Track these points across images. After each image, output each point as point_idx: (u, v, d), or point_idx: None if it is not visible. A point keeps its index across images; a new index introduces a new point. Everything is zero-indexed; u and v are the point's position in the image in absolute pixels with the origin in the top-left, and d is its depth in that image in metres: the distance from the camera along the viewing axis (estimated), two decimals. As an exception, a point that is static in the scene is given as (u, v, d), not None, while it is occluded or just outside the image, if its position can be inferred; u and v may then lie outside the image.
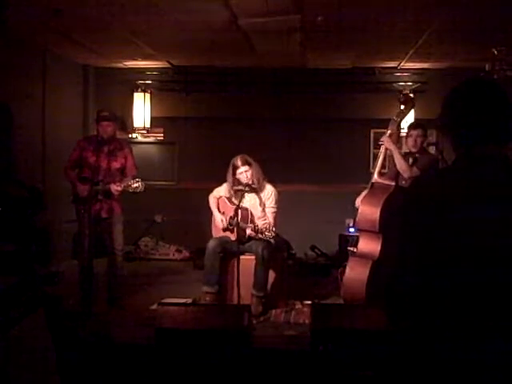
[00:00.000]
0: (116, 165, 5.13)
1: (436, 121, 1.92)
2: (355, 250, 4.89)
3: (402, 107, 5.13)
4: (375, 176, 4.94)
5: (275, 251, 5.14)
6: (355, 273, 4.67)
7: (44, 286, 2.47)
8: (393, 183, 4.80)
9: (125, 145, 5.38)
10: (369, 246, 4.71)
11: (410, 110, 5.03)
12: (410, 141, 5.01)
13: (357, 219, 4.86)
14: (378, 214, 4.62)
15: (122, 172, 5.19)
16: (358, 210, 4.90)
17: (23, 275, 2.34)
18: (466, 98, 1.86)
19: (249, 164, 5.08)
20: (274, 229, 4.85)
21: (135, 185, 4.94)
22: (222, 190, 5.31)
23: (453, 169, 1.88)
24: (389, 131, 4.99)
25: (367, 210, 4.74)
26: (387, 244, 4.59)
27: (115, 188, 4.96)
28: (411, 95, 7.26)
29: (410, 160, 4.98)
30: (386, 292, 1.93)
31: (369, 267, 4.59)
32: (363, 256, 4.72)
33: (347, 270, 4.77)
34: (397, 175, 4.93)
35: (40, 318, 2.41)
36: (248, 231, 4.97)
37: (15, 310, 2.29)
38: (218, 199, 5.30)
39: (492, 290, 1.72)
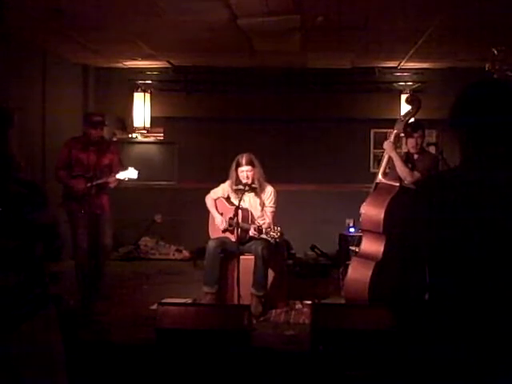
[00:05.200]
0: (105, 161, 5.29)
1: (448, 120, 1.91)
2: (357, 249, 4.87)
3: (409, 107, 5.12)
4: (379, 176, 4.93)
5: (275, 251, 5.13)
6: (358, 273, 4.64)
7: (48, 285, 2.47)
8: (397, 183, 4.79)
9: (111, 142, 5.67)
10: (372, 246, 4.69)
11: (417, 110, 5.02)
12: (411, 142, 5.02)
13: (360, 219, 4.84)
14: (383, 214, 4.60)
15: (110, 169, 5.32)
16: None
17: (30, 272, 2.34)
18: (478, 98, 1.85)
19: (252, 165, 5.08)
20: (279, 228, 4.84)
21: (128, 172, 5.18)
22: (219, 191, 5.30)
23: (461, 169, 1.87)
24: (395, 131, 4.98)
25: (372, 210, 4.71)
26: (391, 245, 4.57)
27: (113, 179, 5.14)
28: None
29: (410, 164, 4.98)
30: (393, 292, 1.93)
31: (372, 268, 4.56)
32: (366, 257, 4.69)
33: (350, 270, 4.75)
34: None
35: (51, 315, 2.41)
36: (251, 231, 4.96)
37: (26, 306, 2.29)
38: (216, 200, 5.29)
39: (492, 290, 1.72)
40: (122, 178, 5.19)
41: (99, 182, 5.13)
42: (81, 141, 5.31)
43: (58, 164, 5.22)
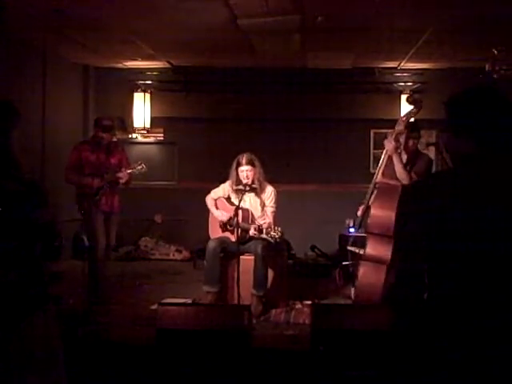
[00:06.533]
0: (114, 161, 5.37)
1: (443, 122, 1.92)
2: (358, 251, 4.78)
3: (411, 107, 5.09)
4: (379, 176, 4.88)
5: (275, 251, 5.13)
6: (371, 279, 4.47)
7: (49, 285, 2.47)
8: (398, 183, 4.74)
9: (117, 143, 5.69)
10: (382, 250, 4.53)
11: (418, 110, 4.99)
12: (407, 142, 5.00)
13: (368, 222, 4.67)
14: (394, 217, 4.47)
15: (119, 169, 5.38)
16: (359, 217, 4.88)
17: (29, 271, 2.34)
18: (473, 103, 1.86)
19: (253, 165, 5.07)
20: (279, 228, 4.83)
21: (139, 167, 5.38)
22: (219, 191, 5.30)
23: (460, 169, 1.87)
24: (396, 131, 4.94)
25: (381, 213, 4.53)
26: (396, 246, 4.49)
27: (124, 173, 5.25)
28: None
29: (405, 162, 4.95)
30: (393, 291, 1.94)
31: (384, 272, 4.44)
32: (377, 261, 4.53)
33: (360, 275, 4.61)
34: None
35: (50, 314, 2.42)
36: (251, 231, 4.96)
37: (25, 305, 2.30)
38: (216, 200, 5.29)
39: (492, 289, 1.72)
40: (134, 172, 5.35)
41: (112, 178, 5.23)
42: (90, 143, 5.42)
43: (67, 166, 5.29)
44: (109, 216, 5.32)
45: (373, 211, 4.64)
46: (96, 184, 5.15)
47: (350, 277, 5.13)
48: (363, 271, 4.60)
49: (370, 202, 4.88)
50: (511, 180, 1.76)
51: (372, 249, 4.62)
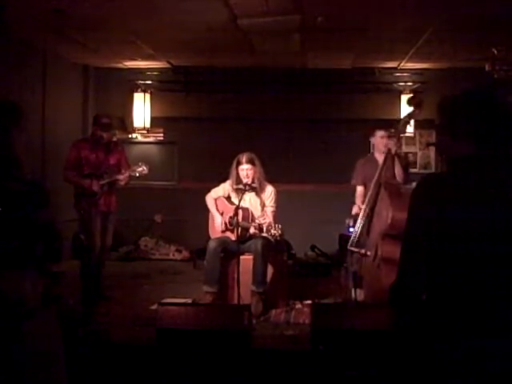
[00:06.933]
0: (113, 161, 5.36)
1: (437, 123, 1.94)
2: (368, 252, 4.68)
3: (412, 108, 5.05)
4: (382, 177, 4.84)
5: (275, 250, 5.14)
6: (389, 282, 4.36)
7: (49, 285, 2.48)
8: (400, 183, 4.73)
9: (117, 143, 5.66)
10: (398, 251, 4.42)
11: (419, 111, 4.96)
12: (381, 143, 5.03)
13: (388, 222, 4.42)
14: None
15: (118, 168, 5.38)
16: (355, 216, 4.86)
17: (30, 271, 2.34)
18: (467, 104, 1.87)
19: (253, 163, 5.08)
20: (280, 226, 4.83)
21: (139, 169, 5.31)
22: (219, 191, 5.30)
23: (459, 169, 1.87)
24: (399, 133, 4.91)
25: (401, 215, 4.44)
26: None
27: (124, 176, 5.22)
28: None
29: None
30: (392, 290, 1.94)
31: None
32: (393, 262, 4.41)
33: (383, 277, 4.35)
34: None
35: (51, 314, 2.42)
36: (252, 230, 4.96)
37: (26, 306, 2.30)
38: (216, 200, 5.30)
39: (491, 289, 1.72)
40: (134, 174, 5.30)
41: (111, 179, 5.22)
42: (89, 141, 5.38)
43: (66, 165, 5.26)
44: (106, 216, 5.31)
45: (392, 213, 4.41)
46: (95, 186, 5.13)
47: (353, 277, 5.10)
48: (383, 274, 4.37)
49: (371, 203, 4.86)
50: (510, 181, 1.77)
51: (391, 250, 4.41)
